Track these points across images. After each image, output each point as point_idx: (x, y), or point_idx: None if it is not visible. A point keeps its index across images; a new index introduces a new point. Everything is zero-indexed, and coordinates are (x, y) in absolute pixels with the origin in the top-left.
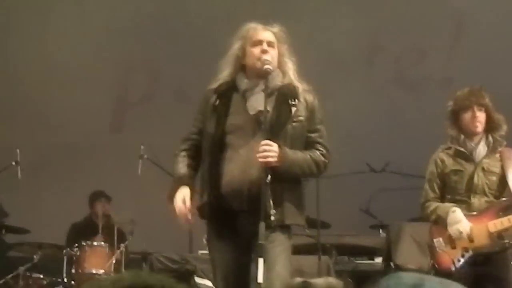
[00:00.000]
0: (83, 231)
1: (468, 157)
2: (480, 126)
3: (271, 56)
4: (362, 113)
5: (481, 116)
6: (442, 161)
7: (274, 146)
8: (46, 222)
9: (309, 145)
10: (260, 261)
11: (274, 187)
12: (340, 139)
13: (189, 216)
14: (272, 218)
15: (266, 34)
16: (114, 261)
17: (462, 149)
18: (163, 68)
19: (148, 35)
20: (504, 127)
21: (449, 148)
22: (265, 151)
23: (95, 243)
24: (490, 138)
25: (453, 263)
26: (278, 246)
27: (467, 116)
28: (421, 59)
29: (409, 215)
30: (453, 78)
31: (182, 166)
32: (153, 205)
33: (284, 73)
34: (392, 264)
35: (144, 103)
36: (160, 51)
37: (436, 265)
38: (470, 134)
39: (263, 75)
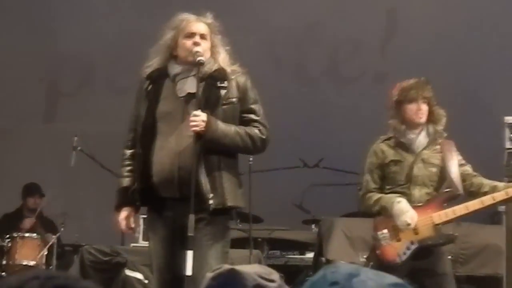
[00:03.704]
0: (14, 222)
1: (408, 148)
2: (423, 118)
3: (203, 48)
4: (295, 107)
5: (425, 108)
6: (382, 151)
7: (202, 115)
8: None
9: (245, 124)
10: (189, 253)
11: (209, 167)
12: (273, 133)
13: (131, 232)
14: (211, 202)
15: (199, 26)
16: (45, 253)
17: (402, 139)
18: (97, 57)
19: (80, 23)
20: (444, 121)
21: (389, 138)
22: (191, 120)
23: (26, 235)
24: (431, 129)
25: (398, 255)
26: (213, 239)
27: (411, 107)
28: (355, 53)
29: (341, 211)
30: (388, 73)
31: (125, 175)
32: (86, 197)
33: (215, 61)
34: (323, 259)
35: (78, 94)
36: (94, 40)
37: (381, 258)
38: (412, 125)
39: (196, 65)
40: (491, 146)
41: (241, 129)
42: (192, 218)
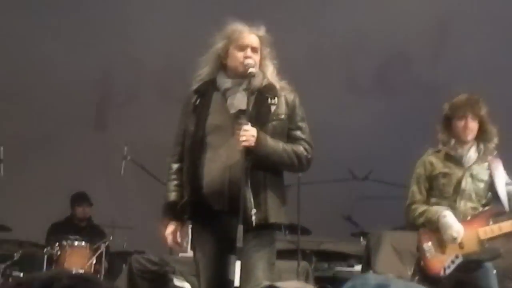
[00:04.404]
0: (64, 230)
1: (457, 161)
2: (471, 135)
3: (254, 60)
4: (345, 119)
5: (473, 126)
6: (431, 163)
7: (252, 130)
8: (28, 220)
9: (291, 141)
10: (237, 263)
11: (255, 183)
12: (322, 145)
13: (178, 246)
14: (253, 218)
15: (251, 38)
16: (94, 261)
17: (452, 153)
18: (149, 66)
19: (133, 34)
20: (495, 140)
21: (439, 151)
22: (242, 135)
23: (75, 243)
24: (481, 146)
25: (443, 268)
26: (260, 251)
27: (459, 124)
28: (406, 65)
29: (390, 224)
30: (439, 86)
31: (172, 189)
32: (135, 206)
33: (263, 74)
34: (371, 272)
35: (129, 103)
36: (146, 49)
37: (425, 270)
38: (460, 141)
39: (246, 77)
40: None
41: (288, 147)
42: (240, 229)
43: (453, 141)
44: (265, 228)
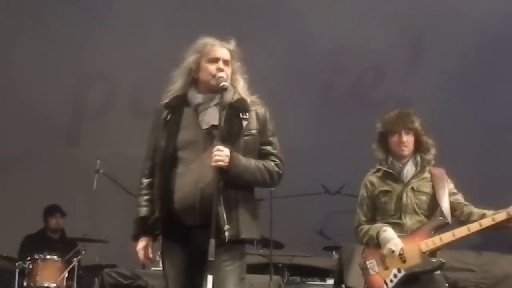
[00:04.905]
0: (37, 243)
1: (396, 178)
2: (406, 150)
3: (226, 74)
4: (318, 134)
5: (408, 140)
6: (372, 183)
7: (225, 150)
8: (1, 234)
9: (262, 157)
10: (209, 278)
11: (227, 199)
12: (295, 160)
13: (149, 262)
14: (226, 233)
15: (222, 51)
16: (66, 275)
17: (390, 170)
18: (121, 81)
19: (105, 48)
20: (433, 151)
21: (378, 170)
22: (215, 155)
23: (47, 256)
24: (418, 158)
25: (385, 283)
26: (230, 265)
27: (394, 139)
28: (379, 79)
29: None
30: (412, 99)
31: (143, 204)
32: (108, 220)
33: (234, 89)
34: (343, 286)
35: (102, 117)
36: (118, 64)
37: (369, 286)
38: (398, 157)
39: (218, 91)
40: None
41: (260, 164)
42: (212, 243)
43: (390, 158)
44: (236, 243)
